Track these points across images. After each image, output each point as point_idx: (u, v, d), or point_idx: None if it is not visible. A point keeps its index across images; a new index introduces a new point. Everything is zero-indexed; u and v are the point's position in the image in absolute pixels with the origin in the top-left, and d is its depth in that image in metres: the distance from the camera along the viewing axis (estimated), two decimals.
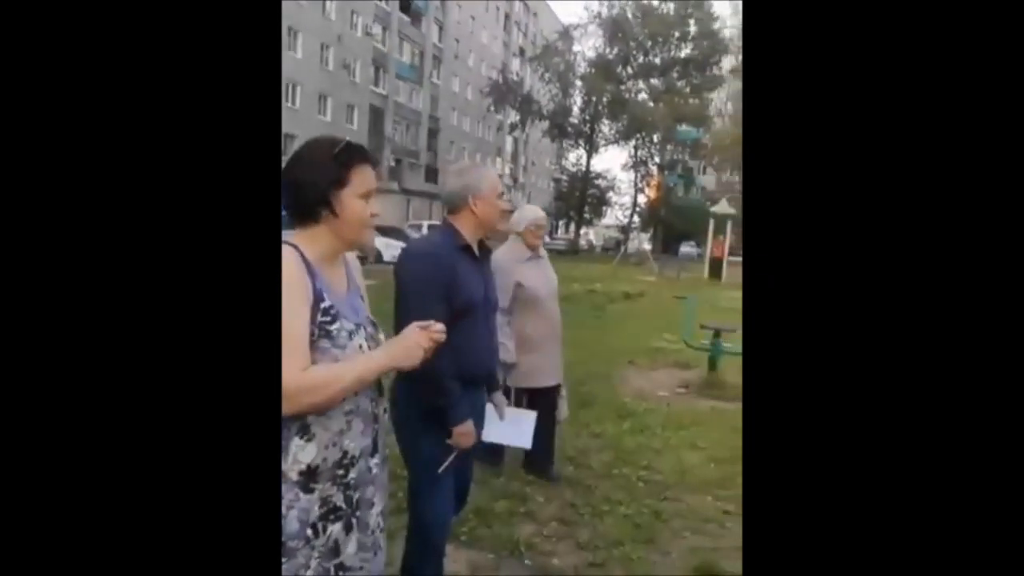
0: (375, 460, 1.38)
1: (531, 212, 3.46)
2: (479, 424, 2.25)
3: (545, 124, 37.58)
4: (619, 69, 35.54)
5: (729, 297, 13.94)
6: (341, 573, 1.29)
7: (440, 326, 1.40)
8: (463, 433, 1.91)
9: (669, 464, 3.84)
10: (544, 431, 3.41)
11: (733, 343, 6.31)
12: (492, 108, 38.15)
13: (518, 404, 3.34)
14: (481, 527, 2.85)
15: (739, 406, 5.31)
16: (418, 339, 1.35)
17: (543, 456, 3.44)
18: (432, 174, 37.46)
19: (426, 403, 1.91)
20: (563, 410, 3.57)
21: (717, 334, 5.98)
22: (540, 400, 3.38)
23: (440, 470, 1.90)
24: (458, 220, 2.07)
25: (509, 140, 49.42)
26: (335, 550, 1.28)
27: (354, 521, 1.32)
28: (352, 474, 1.30)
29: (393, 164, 35.05)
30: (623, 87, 35.49)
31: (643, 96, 36.21)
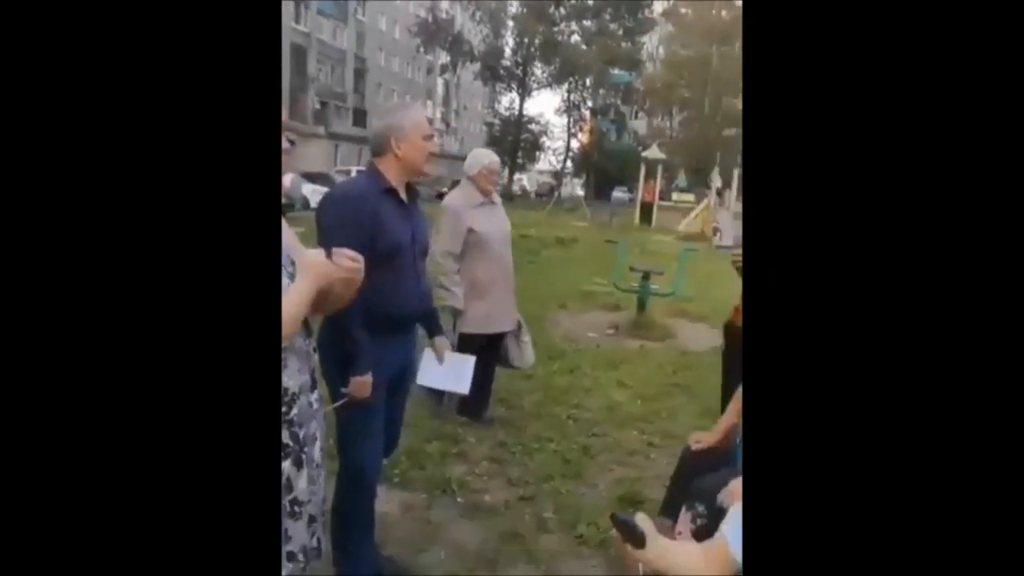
0: (314, 396, 1.40)
1: (484, 156, 3.39)
2: (410, 366, 2.26)
3: (477, 66, 36.65)
4: (551, 10, 34.80)
5: (658, 240, 14.31)
6: (296, 507, 1.33)
7: (351, 253, 1.36)
8: (360, 383, 1.92)
9: (598, 402, 3.98)
10: (485, 377, 3.45)
11: (661, 285, 6.51)
12: (421, 48, 36.81)
13: (464, 350, 3.36)
14: (413, 469, 2.89)
15: (666, 345, 5.54)
16: (318, 256, 1.32)
17: (479, 400, 3.48)
18: (360, 117, 36.11)
19: (340, 348, 1.91)
20: (528, 355, 3.57)
21: (646, 276, 6.15)
22: (488, 346, 3.40)
23: (329, 407, 1.91)
24: (382, 163, 2.02)
25: (440, 82, 48.01)
26: (288, 486, 1.31)
27: (303, 456, 1.34)
28: (295, 410, 1.32)
29: (319, 107, 33.57)
30: (555, 29, 34.87)
31: (575, 38, 35.73)
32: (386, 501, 2.52)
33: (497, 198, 3.46)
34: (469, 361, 2.63)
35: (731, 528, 1.12)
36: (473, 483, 2.85)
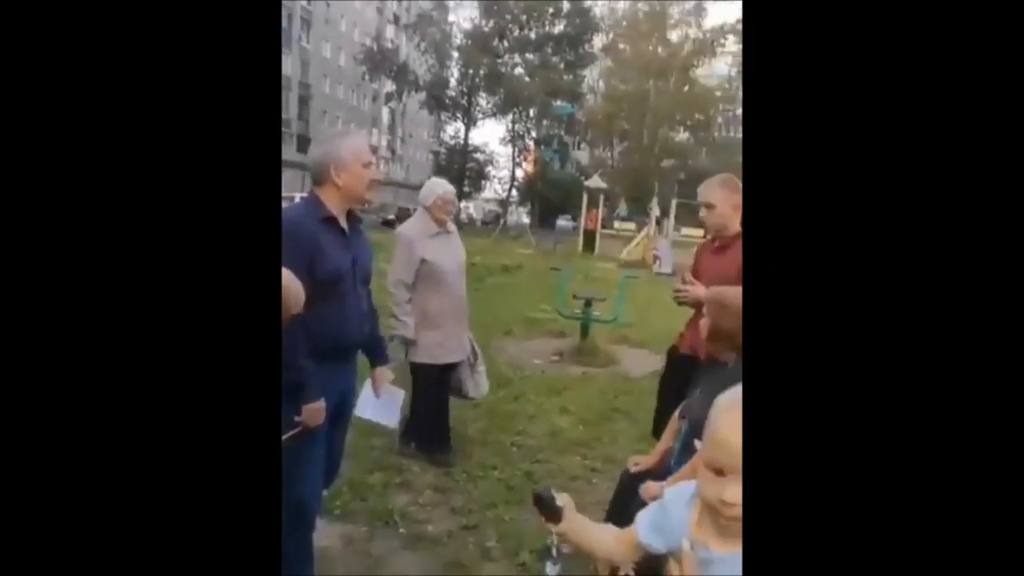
0: None
1: (439, 186, 3.39)
2: (351, 395, 2.24)
3: (422, 95, 36.89)
4: (495, 42, 35.48)
5: (601, 268, 14.57)
6: None
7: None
8: (313, 411, 1.90)
9: (541, 428, 4.01)
10: (439, 410, 3.41)
11: (603, 312, 6.64)
12: (367, 76, 36.82)
13: (417, 380, 3.34)
14: (355, 500, 2.84)
15: (608, 371, 5.63)
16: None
17: (440, 435, 3.39)
18: (304, 144, 35.67)
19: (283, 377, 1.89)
20: (482, 385, 3.56)
21: (588, 303, 6.25)
22: (441, 378, 3.37)
23: (284, 437, 1.88)
24: (322, 191, 2.03)
25: (385, 111, 48.05)
26: None
27: None
28: None
29: None
30: (499, 61, 35.52)
31: (519, 71, 36.46)
32: (326, 535, 2.46)
33: (452, 227, 3.46)
34: (398, 395, 2.57)
35: (645, 517, 1.20)
36: (416, 513, 2.82)
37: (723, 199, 2.81)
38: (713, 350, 2.09)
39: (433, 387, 3.36)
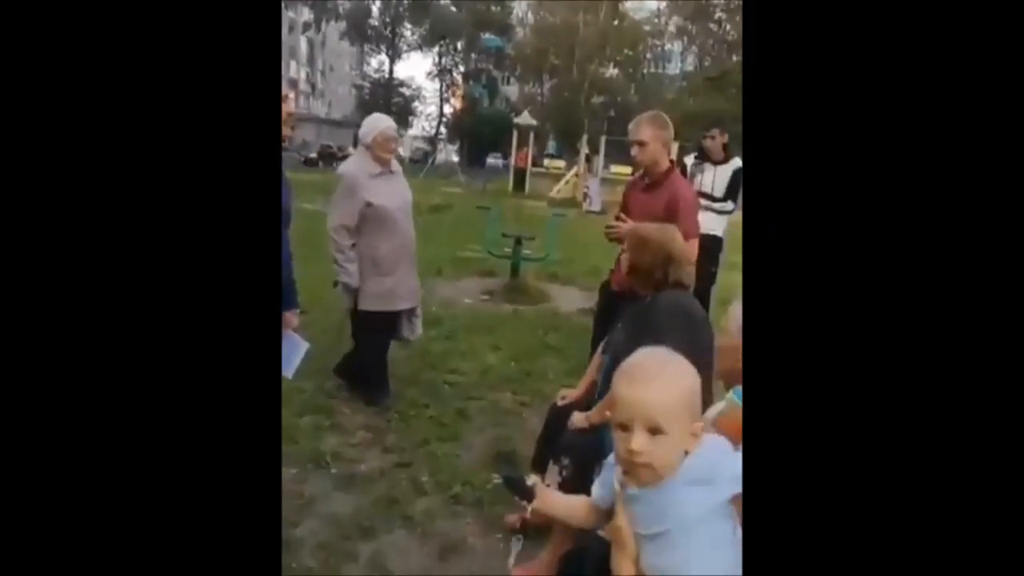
0: None
1: (380, 121, 3.18)
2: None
3: (342, 25, 35.02)
4: None
5: (531, 206, 14.58)
6: None
7: None
8: None
9: (473, 366, 4.05)
10: (380, 356, 3.35)
11: (533, 250, 6.68)
12: (282, 3, 34.53)
13: (364, 327, 3.25)
14: (286, 443, 2.81)
15: (538, 308, 5.71)
16: None
17: (380, 384, 3.36)
18: None
19: None
20: (418, 328, 3.50)
21: (518, 241, 6.26)
22: (388, 324, 3.29)
23: None
24: None
25: (303, 41, 45.41)
26: None
27: None
28: None
29: None
30: None
31: (445, 0, 35.07)
32: None
33: (396, 166, 3.27)
34: (302, 346, 2.44)
35: (596, 481, 1.30)
36: (348, 453, 2.83)
37: (653, 136, 2.83)
38: (633, 285, 2.14)
39: (379, 334, 3.29)
